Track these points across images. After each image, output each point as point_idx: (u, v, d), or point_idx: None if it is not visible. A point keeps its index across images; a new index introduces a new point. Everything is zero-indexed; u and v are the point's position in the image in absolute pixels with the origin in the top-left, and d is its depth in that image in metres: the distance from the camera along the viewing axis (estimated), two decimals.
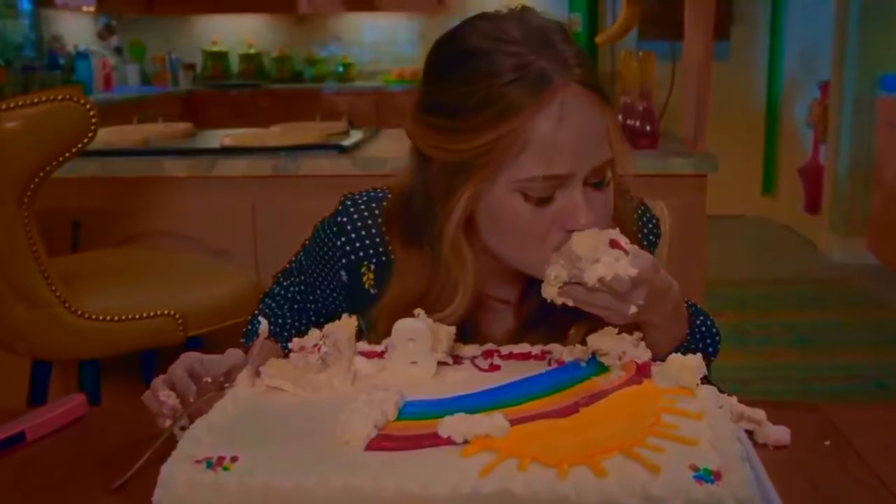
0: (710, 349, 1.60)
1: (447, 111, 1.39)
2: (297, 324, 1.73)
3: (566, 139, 1.34)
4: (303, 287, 1.72)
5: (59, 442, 1.39)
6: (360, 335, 1.40)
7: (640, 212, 1.64)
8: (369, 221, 1.58)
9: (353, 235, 1.58)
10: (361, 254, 1.58)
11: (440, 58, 1.45)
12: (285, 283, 1.76)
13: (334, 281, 1.63)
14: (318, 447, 1.08)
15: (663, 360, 1.28)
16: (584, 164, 1.36)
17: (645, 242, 1.63)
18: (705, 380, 1.26)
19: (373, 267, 1.58)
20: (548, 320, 1.54)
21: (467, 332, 1.50)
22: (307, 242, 1.70)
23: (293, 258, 1.76)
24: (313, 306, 1.72)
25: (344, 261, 1.59)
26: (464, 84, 1.37)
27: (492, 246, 1.46)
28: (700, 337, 1.58)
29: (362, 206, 1.60)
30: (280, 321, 1.72)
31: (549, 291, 1.35)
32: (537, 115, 1.33)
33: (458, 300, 1.46)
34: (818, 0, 7.53)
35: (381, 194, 1.61)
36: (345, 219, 1.59)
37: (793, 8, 8.29)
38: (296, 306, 1.75)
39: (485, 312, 1.59)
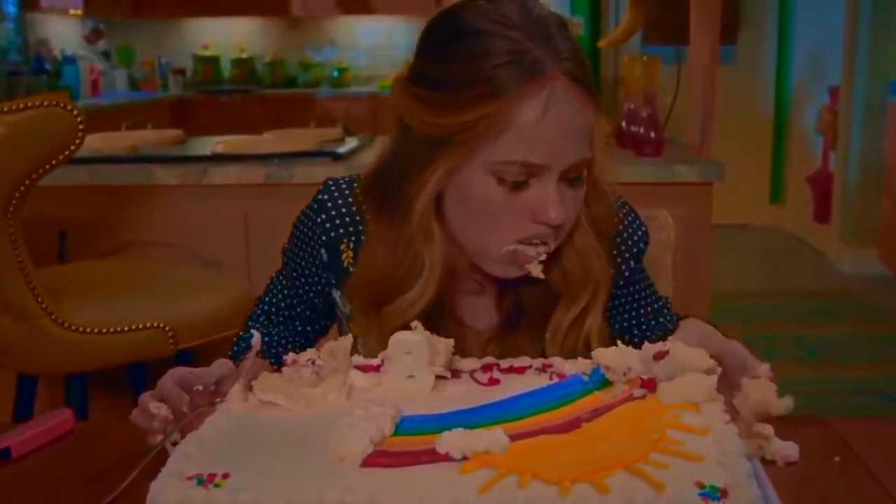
0: None
1: (435, 84, 1.44)
2: (283, 340, 1.76)
3: (549, 131, 1.38)
4: (287, 292, 1.75)
5: (46, 458, 1.39)
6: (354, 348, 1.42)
7: (628, 220, 1.68)
8: (350, 200, 1.63)
9: (332, 213, 1.62)
10: (341, 231, 1.62)
11: (435, 32, 1.51)
12: (266, 299, 1.80)
13: (316, 263, 1.67)
14: (312, 463, 1.08)
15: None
16: (563, 159, 1.41)
17: (635, 250, 1.68)
18: None
19: (352, 245, 1.62)
20: (525, 315, 1.61)
21: (451, 328, 1.56)
22: (284, 246, 1.73)
23: (273, 275, 1.80)
24: (299, 308, 1.75)
25: (324, 238, 1.63)
26: (455, 60, 1.42)
27: (456, 230, 1.51)
28: None
29: (344, 186, 1.65)
30: (266, 339, 1.73)
31: None
32: (524, 101, 1.38)
33: (424, 276, 1.51)
34: (827, 3, 7.54)
35: (362, 176, 1.65)
36: (325, 196, 1.64)
37: (801, 11, 8.31)
38: (282, 317, 1.78)
39: (465, 306, 1.64)
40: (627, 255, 1.66)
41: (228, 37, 8.75)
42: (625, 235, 1.65)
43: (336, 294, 1.68)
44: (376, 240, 1.56)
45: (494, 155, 1.40)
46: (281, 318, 1.78)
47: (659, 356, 1.28)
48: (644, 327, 1.71)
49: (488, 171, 1.41)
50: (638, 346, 1.38)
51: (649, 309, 1.72)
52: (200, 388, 1.38)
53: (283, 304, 1.76)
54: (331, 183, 1.66)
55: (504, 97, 1.37)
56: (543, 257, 1.48)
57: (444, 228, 1.51)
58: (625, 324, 1.71)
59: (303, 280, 1.70)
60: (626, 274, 1.67)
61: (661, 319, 1.71)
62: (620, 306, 1.70)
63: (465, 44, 1.42)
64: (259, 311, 1.80)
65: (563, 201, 1.43)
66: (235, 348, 1.74)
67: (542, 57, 1.38)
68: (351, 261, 1.62)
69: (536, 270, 1.48)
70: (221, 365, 1.46)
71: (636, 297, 1.70)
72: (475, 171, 1.42)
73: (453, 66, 1.42)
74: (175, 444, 1.19)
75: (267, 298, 1.79)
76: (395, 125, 1.53)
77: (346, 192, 1.64)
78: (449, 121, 1.41)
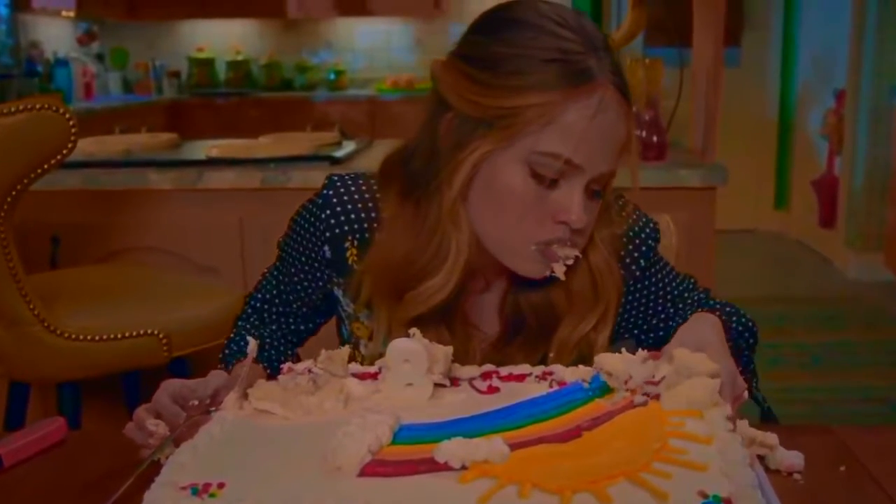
0: (752, 340, 1.69)
1: (485, 65, 1.46)
2: (275, 341, 1.76)
3: (593, 135, 1.42)
4: (283, 287, 1.75)
5: (38, 468, 1.39)
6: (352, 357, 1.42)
7: (632, 219, 1.68)
8: (356, 196, 1.64)
9: (338, 209, 1.63)
10: (346, 228, 1.62)
11: (491, 19, 1.52)
12: (259, 296, 1.80)
13: (318, 259, 1.67)
14: (308, 473, 1.08)
15: None
16: (597, 165, 1.45)
17: (643, 248, 1.69)
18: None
19: (356, 243, 1.63)
20: (526, 326, 1.62)
21: (458, 327, 1.59)
22: (280, 240, 1.74)
23: (265, 271, 1.81)
24: (295, 305, 1.75)
25: (328, 234, 1.63)
26: (512, 46, 1.44)
27: (477, 220, 1.52)
28: (743, 339, 1.65)
29: (349, 183, 1.66)
30: (258, 341, 1.73)
31: None
32: (575, 100, 1.41)
33: (450, 262, 1.52)
34: (833, 5, 7.54)
35: (367, 173, 1.67)
36: (331, 192, 1.64)
37: (807, 13, 8.31)
38: (275, 314, 1.78)
39: (472, 304, 1.64)
40: (636, 254, 1.67)
41: (223, 39, 8.76)
42: (630, 234, 1.66)
43: (339, 292, 1.68)
44: (397, 223, 1.57)
45: (539, 145, 1.42)
46: (274, 316, 1.78)
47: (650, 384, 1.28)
48: (663, 315, 1.72)
49: (524, 162, 1.44)
50: (660, 335, 1.40)
51: (668, 297, 1.72)
52: (196, 403, 1.38)
53: (277, 301, 1.76)
54: (335, 179, 1.66)
55: (554, 92, 1.40)
56: (571, 261, 1.50)
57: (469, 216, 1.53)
58: (640, 316, 1.72)
59: (301, 276, 1.70)
60: (637, 273, 1.68)
61: (682, 306, 1.72)
62: (635, 300, 1.70)
63: (522, 33, 1.44)
64: (250, 310, 1.80)
65: (585, 209, 1.46)
66: (227, 351, 1.73)
67: (593, 66, 1.42)
68: (355, 258, 1.62)
69: (560, 271, 1.51)
70: (217, 376, 1.46)
71: (652, 290, 1.71)
72: (511, 158, 1.44)
73: (506, 51, 1.44)
74: (168, 456, 1.19)
75: (259, 295, 1.79)
76: (427, 103, 1.55)
77: (352, 188, 1.64)
78: (495, 102, 1.43)
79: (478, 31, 1.52)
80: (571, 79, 1.41)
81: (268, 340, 1.74)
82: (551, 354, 1.57)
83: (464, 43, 1.53)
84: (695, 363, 1.26)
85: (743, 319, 1.68)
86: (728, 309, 1.67)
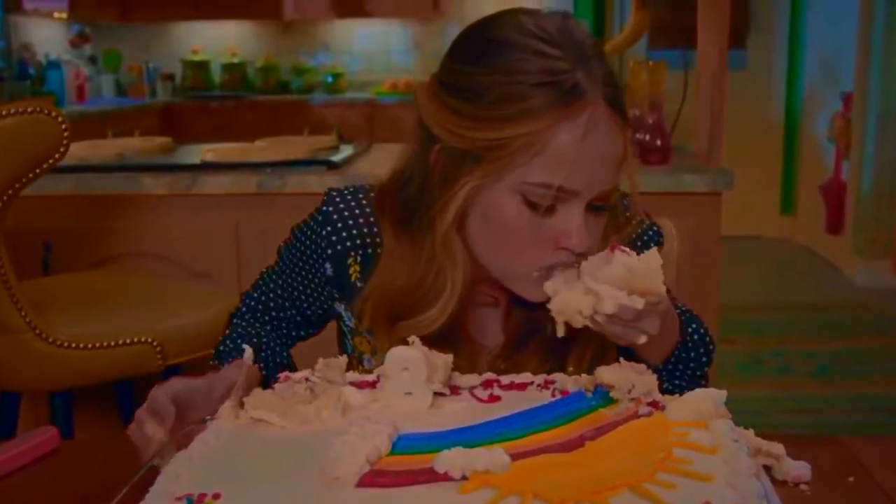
0: (704, 358, 1.63)
1: (467, 95, 1.43)
2: (269, 341, 1.75)
3: (586, 157, 1.39)
4: (280, 292, 1.74)
5: (29, 478, 1.39)
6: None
7: (635, 222, 1.66)
8: (356, 212, 1.63)
9: (339, 225, 1.62)
10: (348, 244, 1.62)
11: (471, 40, 1.49)
12: (255, 295, 1.78)
13: (318, 277, 1.66)
14: (305, 483, 1.08)
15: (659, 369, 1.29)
16: (594, 187, 1.42)
17: (646, 250, 1.66)
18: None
19: (359, 259, 1.62)
20: (538, 336, 1.59)
21: (462, 344, 1.56)
22: (281, 246, 1.72)
23: (264, 271, 1.79)
24: (291, 312, 1.74)
25: (329, 251, 1.62)
26: (493, 73, 1.41)
27: (477, 250, 1.50)
28: (692, 346, 1.60)
29: (349, 198, 1.64)
30: (255, 340, 1.72)
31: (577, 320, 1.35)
32: (563, 124, 1.37)
33: (446, 295, 1.50)
34: (840, 6, 7.55)
35: (366, 187, 1.66)
36: (331, 208, 1.63)
37: (814, 14, 8.31)
38: (268, 317, 1.77)
39: (476, 319, 1.63)
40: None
41: (219, 41, 8.76)
42: (633, 236, 1.64)
43: (340, 307, 1.68)
44: (394, 254, 1.56)
45: (529, 176, 1.39)
46: (268, 318, 1.77)
47: (613, 247, 1.31)
48: None
49: (516, 191, 1.41)
50: None
51: None
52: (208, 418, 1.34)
53: (272, 305, 1.75)
54: (335, 194, 1.65)
55: (543, 118, 1.37)
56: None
57: (467, 246, 1.51)
58: None
59: (301, 289, 1.69)
60: None
61: None
62: None
63: (505, 58, 1.40)
64: (244, 308, 1.79)
65: (587, 228, 1.44)
66: (221, 348, 1.72)
67: (583, 80, 1.38)
68: (358, 275, 1.62)
69: None
70: (221, 380, 1.42)
71: None
72: (503, 190, 1.42)
73: (491, 80, 1.40)
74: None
75: (256, 295, 1.78)
76: (416, 132, 1.52)
77: (352, 203, 1.63)
78: (480, 135, 1.40)
79: (460, 58, 1.48)
80: (560, 99, 1.37)
81: (264, 340, 1.74)
82: (570, 369, 1.55)
83: (447, 70, 1.49)
84: (650, 270, 1.27)
85: (702, 330, 1.63)
86: (687, 315, 1.64)
